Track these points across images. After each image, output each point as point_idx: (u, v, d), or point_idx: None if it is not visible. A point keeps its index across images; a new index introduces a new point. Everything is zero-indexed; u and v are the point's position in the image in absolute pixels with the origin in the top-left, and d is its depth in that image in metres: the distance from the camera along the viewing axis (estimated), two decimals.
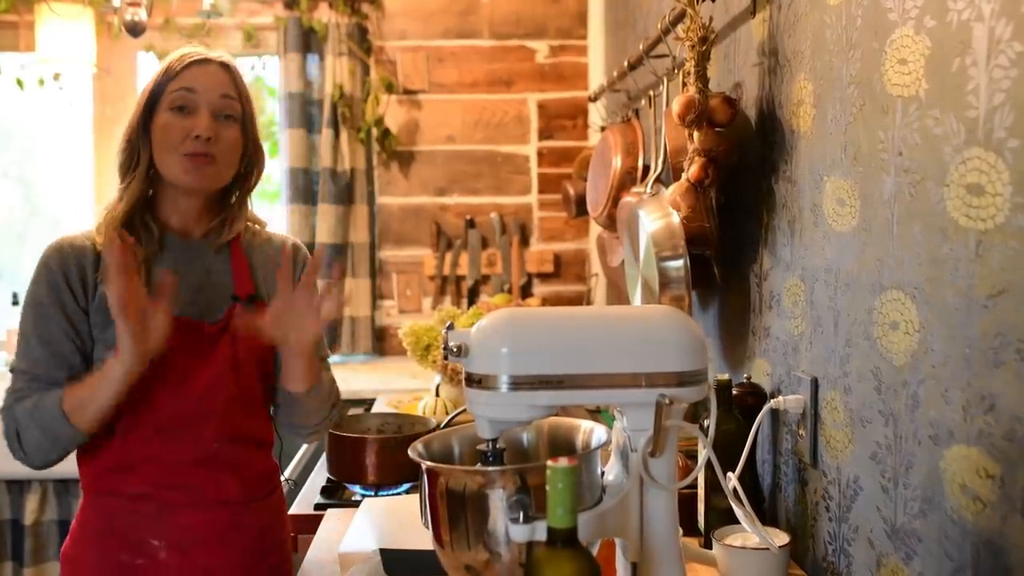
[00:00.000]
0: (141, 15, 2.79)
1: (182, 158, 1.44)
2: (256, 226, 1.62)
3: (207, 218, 1.53)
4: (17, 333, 1.47)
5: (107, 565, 1.44)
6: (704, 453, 1.14)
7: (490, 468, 1.09)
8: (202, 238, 1.52)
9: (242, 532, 1.50)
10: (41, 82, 3.49)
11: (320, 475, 2.02)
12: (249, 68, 3.79)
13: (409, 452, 1.18)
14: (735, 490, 1.33)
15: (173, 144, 1.44)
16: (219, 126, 1.46)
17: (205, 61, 1.48)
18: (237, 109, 1.50)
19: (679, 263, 1.70)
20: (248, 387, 1.50)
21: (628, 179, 2.33)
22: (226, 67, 1.50)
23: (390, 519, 1.57)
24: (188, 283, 1.48)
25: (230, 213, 1.55)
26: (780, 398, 1.48)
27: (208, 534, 1.46)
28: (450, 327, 1.09)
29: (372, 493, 1.86)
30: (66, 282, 1.43)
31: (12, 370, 1.45)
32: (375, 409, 2.80)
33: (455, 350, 1.08)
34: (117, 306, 1.30)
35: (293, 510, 1.83)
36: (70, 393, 1.38)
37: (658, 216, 1.76)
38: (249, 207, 1.59)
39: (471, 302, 3.75)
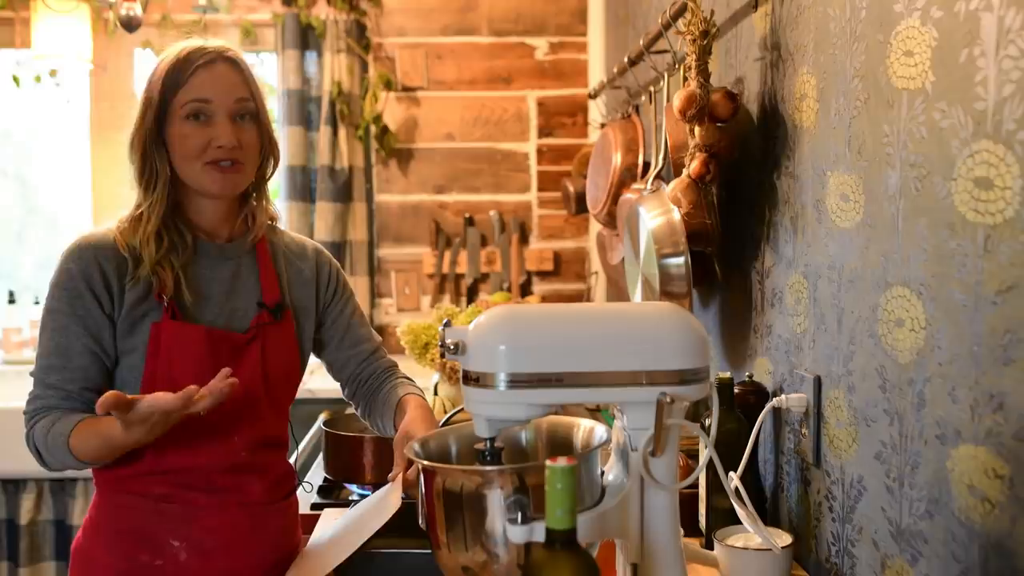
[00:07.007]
0: (136, 10, 2.77)
1: (206, 167, 1.40)
2: (272, 222, 1.58)
3: (232, 218, 1.50)
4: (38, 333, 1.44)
5: (123, 564, 1.41)
6: (705, 452, 1.12)
7: (488, 467, 1.07)
8: (229, 240, 1.49)
9: (263, 534, 1.49)
10: (38, 79, 3.46)
11: (317, 474, 2.01)
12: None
13: (405, 451, 1.17)
14: (737, 490, 1.32)
15: (195, 154, 1.40)
16: (238, 129, 1.41)
17: (212, 61, 1.40)
18: (252, 108, 1.44)
19: (680, 260, 1.69)
20: (276, 395, 1.50)
21: (628, 176, 2.32)
22: (234, 63, 1.43)
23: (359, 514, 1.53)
24: (218, 289, 1.45)
25: (251, 209, 1.52)
26: (782, 397, 1.46)
27: (232, 536, 1.45)
28: (447, 324, 1.08)
29: (369, 492, 1.84)
30: (89, 289, 1.36)
31: (32, 373, 1.41)
32: None
33: (452, 347, 1.07)
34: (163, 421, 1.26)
35: None
36: (79, 433, 1.34)
37: (658, 213, 1.75)
38: (268, 200, 1.55)
39: (470, 300, 3.73)
